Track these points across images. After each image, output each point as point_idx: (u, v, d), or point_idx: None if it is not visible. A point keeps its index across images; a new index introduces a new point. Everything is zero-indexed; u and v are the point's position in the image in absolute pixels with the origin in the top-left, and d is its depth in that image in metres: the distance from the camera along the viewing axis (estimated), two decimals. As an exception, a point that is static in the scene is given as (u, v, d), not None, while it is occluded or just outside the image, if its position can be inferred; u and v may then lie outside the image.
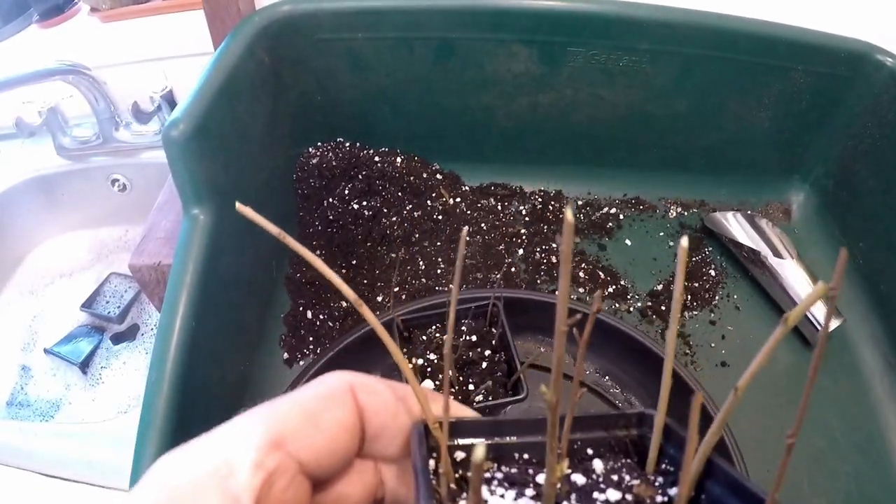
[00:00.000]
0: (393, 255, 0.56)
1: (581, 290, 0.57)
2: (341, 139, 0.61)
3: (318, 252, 0.56)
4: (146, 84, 0.75)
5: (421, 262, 0.55)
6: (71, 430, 0.57)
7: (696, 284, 0.58)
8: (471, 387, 0.42)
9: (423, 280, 0.54)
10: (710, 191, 0.66)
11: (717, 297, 0.58)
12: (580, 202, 0.64)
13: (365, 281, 0.55)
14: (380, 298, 0.54)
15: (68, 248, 0.87)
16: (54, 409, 0.73)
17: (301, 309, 0.53)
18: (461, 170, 0.64)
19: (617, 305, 0.56)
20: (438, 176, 0.61)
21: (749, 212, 0.63)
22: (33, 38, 0.83)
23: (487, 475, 0.21)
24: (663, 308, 0.56)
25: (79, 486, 0.52)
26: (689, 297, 0.57)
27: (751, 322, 0.56)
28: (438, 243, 0.57)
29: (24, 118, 0.75)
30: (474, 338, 0.45)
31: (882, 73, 0.57)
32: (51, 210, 0.84)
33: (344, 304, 0.53)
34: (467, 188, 0.62)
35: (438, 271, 0.55)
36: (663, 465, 0.21)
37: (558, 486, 0.20)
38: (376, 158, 0.59)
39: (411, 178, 0.59)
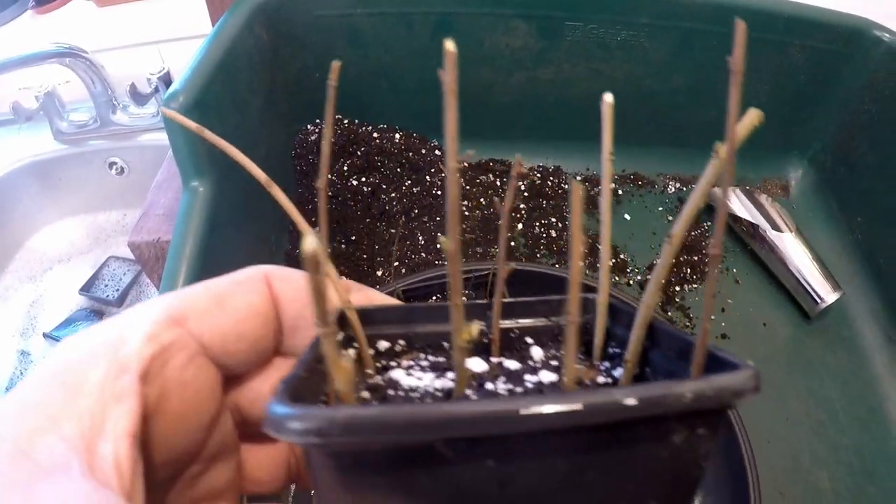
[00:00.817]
0: (392, 230, 0.56)
1: (580, 263, 0.57)
2: (339, 116, 0.61)
3: (317, 228, 0.56)
4: (143, 66, 0.75)
5: (420, 237, 0.55)
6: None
7: (696, 258, 0.58)
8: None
9: (423, 255, 0.54)
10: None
11: (716, 271, 0.58)
12: (579, 177, 0.64)
13: (364, 256, 0.55)
14: (380, 273, 0.54)
15: (66, 232, 0.87)
16: (54, 393, 0.73)
17: (301, 284, 0.53)
18: (459, 145, 0.63)
19: (617, 279, 0.56)
20: (437, 152, 0.61)
21: (748, 187, 0.63)
22: (29, 25, 0.82)
23: (411, 362, 0.20)
24: (663, 281, 0.56)
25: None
26: (689, 270, 0.57)
27: (750, 295, 0.57)
28: (438, 218, 0.57)
29: (20, 103, 0.75)
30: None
31: (879, 49, 0.57)
32: (49, 195, 0.84)
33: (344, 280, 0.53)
34: (466, 164, 0.62)
35: (438, 246, 0.55)
36: (611, 350, 0.20)
37: (485, 366, 0.19)
38: (375, 135, 0.59)
39: (410, 154, 0.59)
